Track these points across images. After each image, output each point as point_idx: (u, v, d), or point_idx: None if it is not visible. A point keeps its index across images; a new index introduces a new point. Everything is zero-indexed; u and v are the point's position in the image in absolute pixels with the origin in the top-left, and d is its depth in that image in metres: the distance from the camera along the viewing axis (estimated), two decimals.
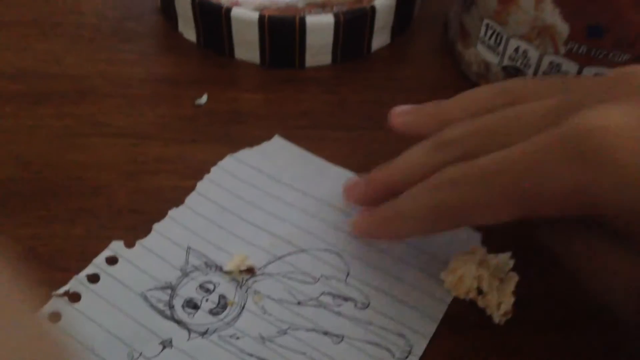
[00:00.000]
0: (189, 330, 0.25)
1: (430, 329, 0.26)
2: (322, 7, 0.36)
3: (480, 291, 0.26)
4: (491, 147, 0.22)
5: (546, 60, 0.32)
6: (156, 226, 0.29)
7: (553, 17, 0.30)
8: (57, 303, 0.26)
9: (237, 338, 0.25)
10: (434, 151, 0.25)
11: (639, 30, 0.29)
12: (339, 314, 0.26)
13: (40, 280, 0.27)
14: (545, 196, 0.20)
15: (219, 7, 0.35)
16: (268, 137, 0.32)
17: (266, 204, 0.30)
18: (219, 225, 0.29)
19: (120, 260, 0.27)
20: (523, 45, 0.32)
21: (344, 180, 0.29)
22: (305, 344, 0.25)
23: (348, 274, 0.27)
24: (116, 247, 0.28)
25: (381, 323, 0.26)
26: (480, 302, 0.26)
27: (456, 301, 0.27)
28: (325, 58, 0.37)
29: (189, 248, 0.28)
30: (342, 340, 0.26)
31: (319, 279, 0.27)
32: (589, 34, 0.30)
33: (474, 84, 0.36)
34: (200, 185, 0.30)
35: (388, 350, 0.25)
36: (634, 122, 0.18)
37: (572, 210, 0.20)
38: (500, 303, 0.26)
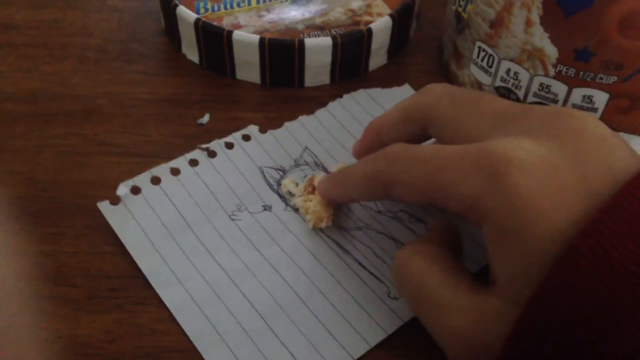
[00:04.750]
0: (287, 205, 0.31)
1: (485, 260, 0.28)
2: (321, 30, 0.38)
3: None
4: None
5: (537, 82, 0.33)
6: (287, 124, 0.35)
7: (542, 41, 0.31)
8: (198, 154, 0.33)
9: None
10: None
11: (626, 54, 0.30)
12: (409, 228, 0.31)
13: (46, 296, 0.28)
14: (450, 193, 0.23)
15: (221, 30, 0.36)
16: None
17: None
18: (335, 137, 0.34)
19: (252, 139, 0.34)
20: (514, 67, 0.33)
21: None
22: (374, 242, 0.30)
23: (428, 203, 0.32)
24: (252, 129, 0.34)
25: None
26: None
27: None
28: (324, 78, 0.38)
29: (305, 147, 0.34)
30: None
31: None
32: (576, 57, 0.31)
33: None
34: (331, 105, 0.36)
35: None
36: (533, 157, 0.21)
37: (465, 212, 0.23)
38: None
